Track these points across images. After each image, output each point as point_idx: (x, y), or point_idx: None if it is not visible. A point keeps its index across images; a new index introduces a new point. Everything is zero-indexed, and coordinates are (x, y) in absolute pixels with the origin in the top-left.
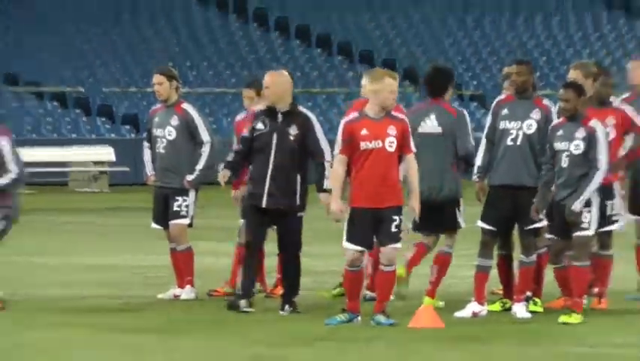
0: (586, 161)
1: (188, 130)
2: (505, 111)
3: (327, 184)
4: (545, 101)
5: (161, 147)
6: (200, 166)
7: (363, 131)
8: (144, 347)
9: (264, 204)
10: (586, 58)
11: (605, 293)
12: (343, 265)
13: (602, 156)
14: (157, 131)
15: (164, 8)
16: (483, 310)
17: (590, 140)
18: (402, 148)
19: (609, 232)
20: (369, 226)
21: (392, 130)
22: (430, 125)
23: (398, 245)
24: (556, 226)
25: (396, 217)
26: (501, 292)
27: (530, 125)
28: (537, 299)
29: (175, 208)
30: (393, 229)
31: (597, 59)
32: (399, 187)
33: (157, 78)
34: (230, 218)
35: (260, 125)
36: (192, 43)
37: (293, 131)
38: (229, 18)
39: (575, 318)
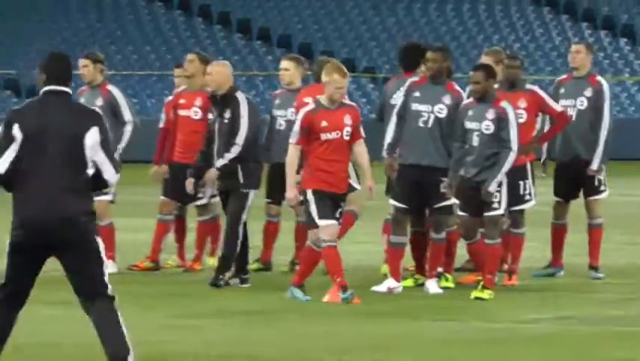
0: (496, 141)
1: (111, 110)
2: (417, 93)
3: (219, 163)
4: (457, 87)
5: None
6: (122, 144)
7: (323, 123)
8: (66, 318)
9: (215, 189)
10: (496, 43)
11: (516, 270)
12: (318, 244)
13: (514, 137)
14: None
15: None
16: (398, 286)
17: (500, 120)
18: (354, 135)
19: (522, 211)
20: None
21: (348, 120)
22: None
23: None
24: (466, 203)
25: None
26: (413, 268)
27: (441, 110)
28: (448, 275)
29: None
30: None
31: (506, 44)
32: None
33: (82, 61)
34: (150, 195)
35: (210, 115)
36: (118, 27)
37: (227, 115)
38: (154, 4)
39: (486, 294)
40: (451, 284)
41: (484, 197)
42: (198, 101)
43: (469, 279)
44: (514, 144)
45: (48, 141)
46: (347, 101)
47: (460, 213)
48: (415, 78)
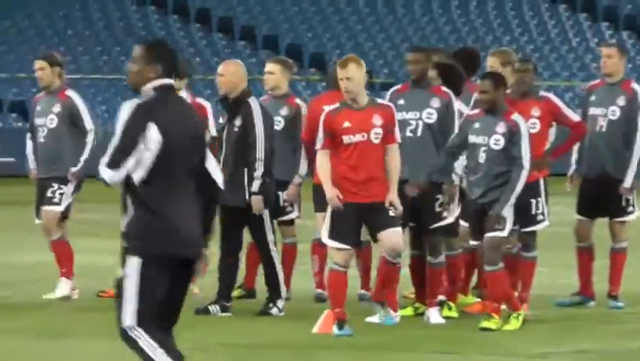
0: (506, 158)
1: (70, 118)
2: (401, 101)
3: (255, 186)
4: (444, 88)
5: (42, 137)
6: (84, 156)
7: (345, 124)
8: (24, 349)
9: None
10: (506, 45)
11: (526, 299)
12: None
13: (525, 153)
14: (38, 120)
15: None
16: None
17: (512, 136)
18: (386, 138)
19: (533, 233)
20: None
21: (377, 120)
22: None
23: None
24: (474, 229)
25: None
26: (413, 295)
27: (430, 115)
28: (451, 304)
29: (48, 194)
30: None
31: (518, 46)
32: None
33: (38, 63)
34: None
35: (221, 120)
36: (89, 28)
37: (238, 122)
38: (125, 1)
39: (493, 323)
40: (454, 314)
41: (493, 221)
42: None
43: (475, 308)
44: (526, 162)
45: (183, 144)
46: (380, 100)
47: (472, 242)
48: (397, 86)
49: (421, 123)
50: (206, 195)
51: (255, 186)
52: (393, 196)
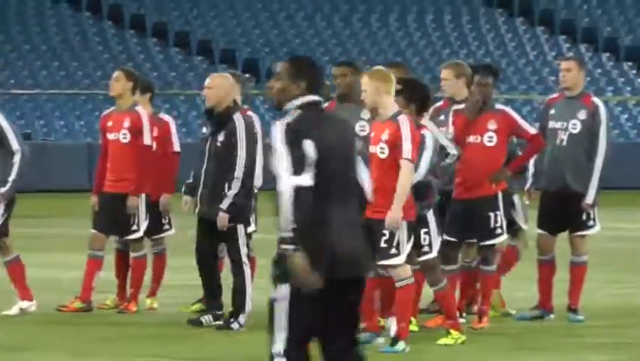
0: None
1: None
2: None
3: (225, 204)
4: None
5: None
6: (13, 177)
7: (372, 134)
8: None
9: (196, 212)
10: (463, 58)
11: (486, 312)
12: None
13: (423, 163)
14: None
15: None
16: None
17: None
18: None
19: (492, 246)
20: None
21: (385, 134)
22: None
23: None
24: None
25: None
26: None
27: (363, 127)
28: (411, 318)
29: None
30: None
31: (475, 59)
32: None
33: None
34: (82, 228)
35: (204, 129)
36: (45, 43)
37: (221, 137)
38: (82, 14)
39: (450, 338)
40: (414, 327)
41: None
42: (127, 123)
43: (434, 322)
44: (423, 169)
45: (338, 163)
46: (405, 111)
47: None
48: (325, 105)
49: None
50: (359, 205)
51: (225, 203)
52: (391, 214)
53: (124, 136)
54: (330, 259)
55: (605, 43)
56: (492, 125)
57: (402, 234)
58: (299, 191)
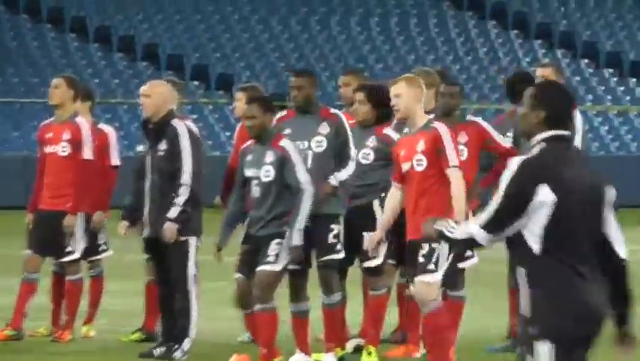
0: (281, 188)
1: None
2: (288, 130)
3: (173, 213)
4: (333, 111)
5: None
6: None
7: (402, 152)
8: None
9: (144, 234)
10: (430, 65)
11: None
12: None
13: (302, 176)
14: None
15: None
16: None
17: (282, 163)
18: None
19: (461, 270)
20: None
21: (421, 145)
22: None
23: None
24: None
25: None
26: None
27: (320, 142)
28: (371, 348)
29: None
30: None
31: (443, 65)
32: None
33: None
34: (15, 248)
35: (140, 147)
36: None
37: (162, 146)
38: (20, 17)
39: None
40: (374, 359)
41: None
42: (66, 134)
43: (399, 352)
44: (307, 185)
45: (579, 209)
46: (436, 123)
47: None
48: (282, 113)
49: (310, 153)
50: (608, 269)
51: (173, 212)
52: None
53: (63, 149)
54: (584, 317)
55: (584, 48)
56: (462, 137)
57: (442, 250)
58: None
